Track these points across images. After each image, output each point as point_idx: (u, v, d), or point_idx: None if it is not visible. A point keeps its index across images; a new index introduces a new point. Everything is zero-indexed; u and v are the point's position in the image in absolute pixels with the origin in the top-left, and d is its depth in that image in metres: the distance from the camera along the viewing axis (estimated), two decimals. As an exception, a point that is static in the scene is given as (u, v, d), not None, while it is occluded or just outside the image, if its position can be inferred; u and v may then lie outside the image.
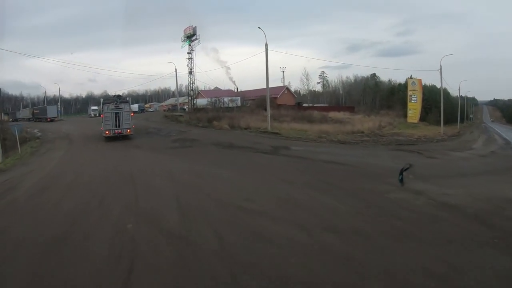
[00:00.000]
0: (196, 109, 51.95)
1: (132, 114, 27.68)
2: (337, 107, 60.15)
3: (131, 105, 70.14)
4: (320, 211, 9.23)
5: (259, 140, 25.80)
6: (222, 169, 14.97)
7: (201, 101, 56.20)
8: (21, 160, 19.60)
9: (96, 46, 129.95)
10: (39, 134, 33.82)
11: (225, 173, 14.07)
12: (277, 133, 31.51)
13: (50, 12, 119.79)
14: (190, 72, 53.52)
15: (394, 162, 18.68)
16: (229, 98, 61.55)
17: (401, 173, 11.14)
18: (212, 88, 77.64)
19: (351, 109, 55.77)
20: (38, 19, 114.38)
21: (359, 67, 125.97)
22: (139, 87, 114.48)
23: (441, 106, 40.96)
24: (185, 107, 60.62)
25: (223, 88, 75.99)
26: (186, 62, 52.93)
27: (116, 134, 25.49)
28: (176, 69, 56.00)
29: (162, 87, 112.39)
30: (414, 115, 47.67)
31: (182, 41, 54.52)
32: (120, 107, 25.74)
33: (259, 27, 33.29)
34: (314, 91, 79.95)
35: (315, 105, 66.68)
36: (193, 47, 53.78)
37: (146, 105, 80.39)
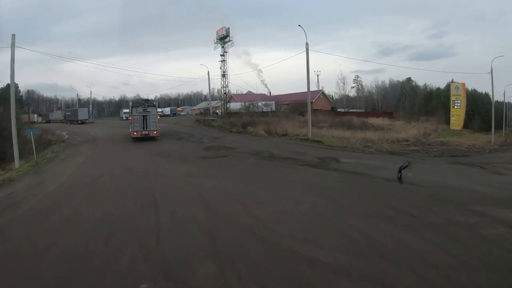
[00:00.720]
0: (229, 113, 49.59)
1: (158, 117, 28.85)
2: (375, 112, 57.26)
3: (163, 109, 70.14)
4: (411, 261, 6.37)
5: (302, 149, 22.66)
6: (266, 188, 11.90)
7: (234, 105, 53.76)
8: (36, 168, 17.42)
9: (131, 51, 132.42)
10: (66, 137, 32.87)
11: (270, 196, 10.99)
12: (319, 141, 28.37)
13: (87, 18, 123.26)
14: (223, 75, 51.28)
15: (462, 180, 15.34)
16: (263, 103, 59.04)
17: (399, 171, 11.62)
18: (244, 92, 75.73)
19: (389, 114, 52.34)
20: (75, 25, 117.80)
21: (392, 71, 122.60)
22: (172, 91, 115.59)
23: (492, 112, 37.06)
24: (217, 111, 58.59)
25: (255, 92, 73.91)
26: (218, 65, 50.96)
27: (143, 135, 26.64)
28: (208, 72, 53.89)
29: (194, 90, 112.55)
30: (457, 122, 43.57)
31: (215, 43, 52.52)
32: (147, 110, 26.92)
33: (299, 25, 30.23)
34: (347, 95, 77.91)
35: (351, 110, 64.00)
36: (226, 48, 51.60)
37: (178, 109, 79.69)
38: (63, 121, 59.16)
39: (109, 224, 8.34)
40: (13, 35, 20.32)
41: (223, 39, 51.12)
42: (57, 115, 66.37)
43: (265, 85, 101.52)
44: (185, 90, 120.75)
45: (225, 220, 8.53)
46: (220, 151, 20.92)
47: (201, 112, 64.28)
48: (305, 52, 30.52)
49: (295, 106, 56.84)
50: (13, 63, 20.15)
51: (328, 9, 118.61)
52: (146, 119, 26.69)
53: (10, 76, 20.28)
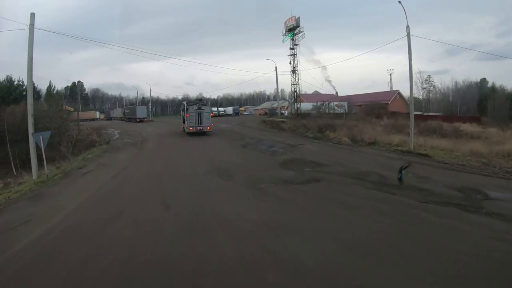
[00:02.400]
0: (299, 115, 43.13)
1: (211, 114, 31.98)
2: (458, 116, 49.29)
3: (225, 108, 67.82)
4: None
5: (414, 169, 15.34)
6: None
7: (305, 106, 47.08)
8: (41, 187, 12.18)
9: (195, 51, 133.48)
10: (116, 136, 30.06)
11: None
12: (425, 155, 20.84)
13: (154, 21, 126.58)
14: (293, 71, 44.81)
15: None
16: (335, 103, 52.16)
17: (400, 171, 11.91)
18: (308, 92, 69.63)
19: (476, 119, 44.43)
20: (142, 28, 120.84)
21: (459, 72, 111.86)
22: (234, 90, 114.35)
23: None
24: (283, 111, 52.61)
25: (321, 92, 67.67)
26: (285, 62, 45.18)
27: (198, 130, 28.86)
28: (276, 68, 47.85)
29: (257, 90, 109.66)
30: (554, 130, 35.19)
31: (283, 35, 46.35)
32: (202, 108, 29.38)
33: (399, 2, 23.27)
34: (417, 97, 71.56)
35: (430, 113, 57.49)
36: (296, 41, 45.12)
37: (241, 108, 75.91)
38: (123, 118, 57.55)
39: None
40: (32, 14, 16.61)
41: (293, 30, 44.80)
42: (117, 112, 65.37)
43: (329, 82, 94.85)
44: (248, 90, 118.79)
45: None
46: (304, 169, 14.26)
47: (265, 113, 58.80)
48: (408, 37, 23.31)
49: (371, 108, 49.44)
50: (32, 46, 15.93)
51: (391, 8, 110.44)
52: (200, 116, 29.03)
53: (27, 63, 15.89)
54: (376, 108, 48.74)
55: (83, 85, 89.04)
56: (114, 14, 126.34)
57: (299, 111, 44.26)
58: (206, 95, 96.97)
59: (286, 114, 51.19)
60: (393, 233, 7.25)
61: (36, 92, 48.40)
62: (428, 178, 13.11)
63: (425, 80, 74.73)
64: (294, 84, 44.65)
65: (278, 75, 46.97)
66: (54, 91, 52.98)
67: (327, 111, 46.73)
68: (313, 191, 10.70)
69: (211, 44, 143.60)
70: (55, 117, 26.38)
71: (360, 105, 55.06)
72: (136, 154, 18.95)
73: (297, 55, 44.75)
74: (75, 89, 79.80)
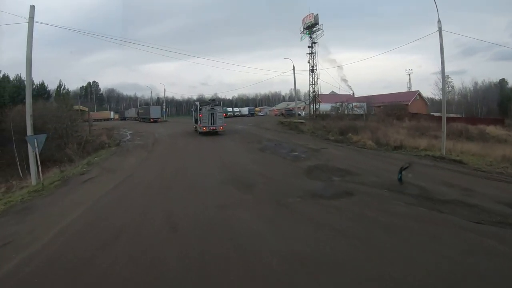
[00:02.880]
0: (318, 116, 41.36)
1: (224, 114, 33.18)
2: (480, 118, 47.98)
3: (241, 109, 66.89)
4: None
5: (454, 179, 13.15)
6: None
7: (323, 106, 45.25)
8: (34, 198, 10.82)
9: (210, 52, 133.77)
10: (128, 137, 29.31)
11: None
12: (459, 162, 18.87)
13: (169, 22, 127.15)
14: (312, 70, 43.08)
15: None
16: (354, 104, 50.28)
17: (400, 172, 11.75)
18: (324, 92, 67.95)
19: (500, 121, 42.03)
20: (156, 29, 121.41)
21: (475, 73, 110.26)
22: (249, 91, 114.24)
23: None
24: (300, 112, 50.88)
25: (338, 93, 65.80)
26: (302, 62, 43.67)
27: (211, 130, 29.43)
28: (293, 67, 46.15)
29: (272, 91, 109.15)
30: None
31: (301, 33, 44.68)
32: (214, 109, 29.95)
33: (432, -3, 21.13)
34: (432, 98, 69.11)
35: (451, 115, 54.11)
36: (314, 39, 43.38)
37: (256, 109, 74.47)
38: (137, 118, 56.86)
39: None
40: (32, 7, 15.59)
41: (311, 27, 43.07)
42: (131, 112, 64.82)
43: (345, 81, 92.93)
44: (263, 90, 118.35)
45: None
46: (332, 178, 12.56)
47: (282, 113, 57.23)
48: (440, 32, 21.28)
49: (390, 109, 47.34)
50: (31, 41, 14.92)
51: (407, 7, 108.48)
52: (213, 116, 29.58)
53: (26, 59, 14.83)
54: (396, 109, 46.73)
55: (98, 85, 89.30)
56: (131, 15, 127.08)
57: (317, 112, 42.54)
58: (221, 95, 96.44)
59: (303, 115, 49.56)
60: (454, 269, 5.56)
61: (47, 92, 47.95)
62: (471, 190, 11.30)
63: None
64: (312, 84, 42.94)
65: (294, 75, 45.39)
66: (64, 91, 52.28)
67: (346, 112, 44.93)
68: (347, 208, 8.99)
69: (226, 45, 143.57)
70: (64, 117, 25.36)
71: (379, 106, 53.03)
72: (145, 158, 17.61)
73: (316, 54, 43.08)
74: (89, 89, 79.68)
